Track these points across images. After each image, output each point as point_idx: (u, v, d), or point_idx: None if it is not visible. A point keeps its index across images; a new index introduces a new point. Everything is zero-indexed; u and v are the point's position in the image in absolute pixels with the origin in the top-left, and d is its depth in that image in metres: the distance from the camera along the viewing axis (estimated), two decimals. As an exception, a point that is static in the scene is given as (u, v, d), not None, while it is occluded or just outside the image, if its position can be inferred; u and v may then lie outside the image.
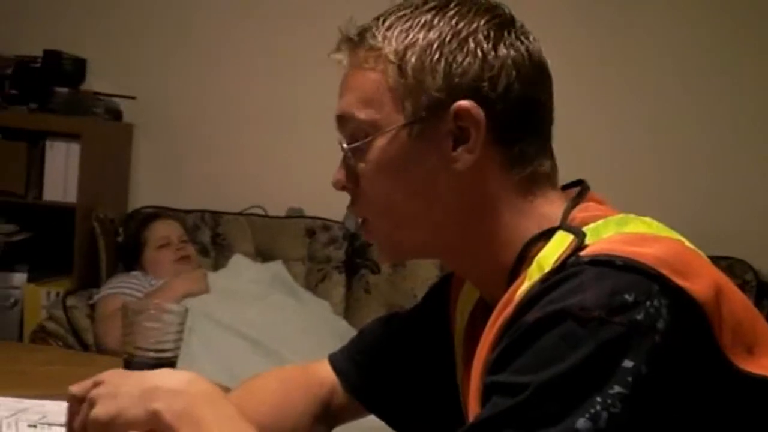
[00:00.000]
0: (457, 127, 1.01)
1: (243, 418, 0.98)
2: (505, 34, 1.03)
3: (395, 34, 1.03)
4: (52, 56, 3.55)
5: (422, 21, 1.03)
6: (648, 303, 0.84)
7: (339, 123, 1.08)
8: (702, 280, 0.88)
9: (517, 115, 1.02)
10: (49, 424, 1.41)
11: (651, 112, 3.58)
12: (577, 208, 1.03)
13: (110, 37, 3.81)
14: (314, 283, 3.51)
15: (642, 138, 3.59)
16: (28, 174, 3.40)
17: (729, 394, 0.87)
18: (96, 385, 1.00)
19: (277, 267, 3.42)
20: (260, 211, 3.70)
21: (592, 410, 0.81)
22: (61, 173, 3.41)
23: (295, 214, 3.70)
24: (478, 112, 0.99)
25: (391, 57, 1.02)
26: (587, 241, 0.93)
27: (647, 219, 1.01)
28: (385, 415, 1.30)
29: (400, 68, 1.02)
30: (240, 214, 3.67)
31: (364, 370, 1.29)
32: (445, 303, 1.24)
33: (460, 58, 1.01)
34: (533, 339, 0.85)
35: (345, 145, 1.06)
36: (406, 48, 1.02)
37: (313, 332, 2.94)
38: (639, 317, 0.83)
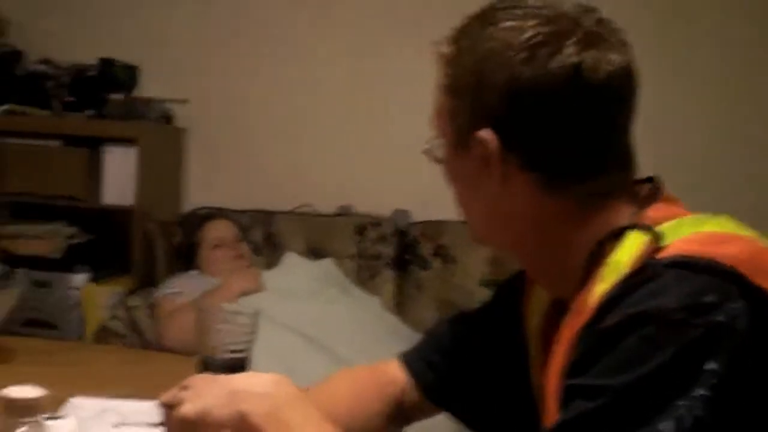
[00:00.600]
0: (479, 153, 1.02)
1: (328, 420, 1.01)
2: (550, 47, 0.98)
3: (466, 40, 1.04)
4: (106, 64, 3.64)
5: (475, 34, 1.03)
6: (728, 304, 0.84)
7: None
8: None
9: (548, 138, 1.00)
10: (130, 425, 1.47)
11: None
12: (650, 208, 1.02)
13: (161, 44, 3.89)
14: (364, 280, 3.54)
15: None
16: (87, 179, 3.49)
17: None
18: (183, 389, 1.05)
19: (328, 264, 3.46)
20: (310, 210, 3.76)
21: (676, 414, 0.81)
22: (119, 177, 3.50)
23: (345, 212, 3.75)
24: (494, 140, 1.00)
25: (446, 73, 1.05)
26: (665, 242, 0.92)
27: (721, 219, 1.00)
28: (457, 413, 1.30)
29: (449, 86, 1.05)
30: (291, 212, 3.73)
31: (436, 368, 1.29)
32: (517, 301, 1.24)
33: (488, 82, 1.00)
34: (614, 342, 0.85)
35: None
36: (452, 66, 1.04)
37: (366, 328, 2.97)
38: (720, 318, 0.83)
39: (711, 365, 0.81)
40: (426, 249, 3.57)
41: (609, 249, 0.97)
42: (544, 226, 1.03)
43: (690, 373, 0.82)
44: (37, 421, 1.13)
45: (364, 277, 3.57)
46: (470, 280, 3.41)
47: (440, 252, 3.54)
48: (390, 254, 3.59)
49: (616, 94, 1.01)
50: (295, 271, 3.33)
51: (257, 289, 3.14)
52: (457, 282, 3.48)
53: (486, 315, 1.31)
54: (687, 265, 0.87)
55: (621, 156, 1.04)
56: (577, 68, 0.97)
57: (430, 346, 1.33)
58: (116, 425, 1.46)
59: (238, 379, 1.05)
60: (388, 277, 3.57)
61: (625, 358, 0.84)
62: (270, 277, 3.26)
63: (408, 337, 2.79)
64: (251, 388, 1.02)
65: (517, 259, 1.11)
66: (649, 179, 1.08)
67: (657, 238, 0.93)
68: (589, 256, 0.99)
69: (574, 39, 0.98)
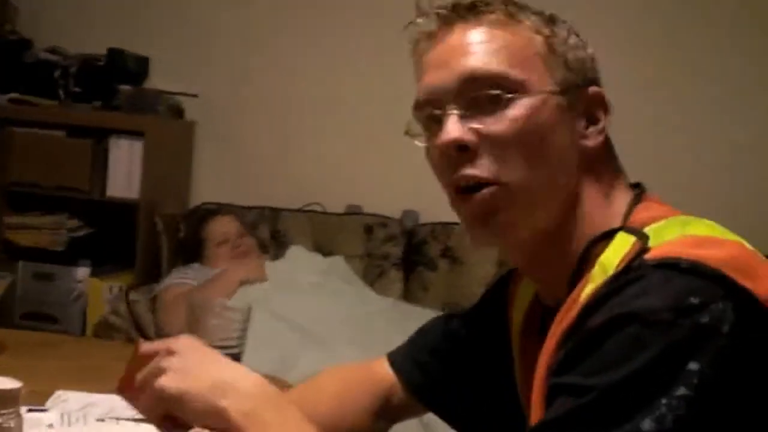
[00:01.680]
0: (587, 110, 1.04)
1: (308, 422, 0.99)
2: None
3: (528, 12, 1.06)
4: (116, 54, 3.62)
5: (548, 13, 1.08)
6: (714, 305, 0.84)
7: (468, 80, 1.02)
8: (765, 281, 0.88)
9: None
10: (117, 418, 1.43)
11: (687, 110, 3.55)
12: (638, 207, 1.03)
13: (172, 36, 3.86)
14: (372, 280, 3.53)
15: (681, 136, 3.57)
16: (92, 170, 3.46)
17: None
18: (168, 353, 1.01)
19: (336, 260, 3.44)
20: (319, 208, 3.73)
21: (658, 412, 0.81)
22: (125, 170, 3.47)
23: (354, 211, 3.72)
24: (608, 99, 1.05)
25: (539, 28, 1.04)
26: (651, 243, 0.93)
27: (708, 221, 1.00)
28: (444, 414, 1.30)
29: (548, 41, 1.04)
30: (299, 210, 3.71)
31: (424, 368, 1.29)
32: (503, 302, 1.24)
33: (584, 52, 1.07)
34: (599, 342, 0.86)
35: (494, 93, 1.01)
36: (550, 26, 1.05)
37: (368, 324, 2.93)
38: (705, 320, 0.83)
39: (694, 365, 0.82)
40: (434, 250, 3.56)
41: (599, 249, 0.98)
42: (589, 192, 1.04)
43: (673, 372, 0.82)
44: (16, 413, 1.11)
45: (372, 277, 3.55)
46: (477, 282, 3.38)
47: (447, 253, 3.53)
48: (398, 255, 3.58)
49: None
50: (299, 263, 3.31)
51: (260, 278, 3.12)
52: (463, 283, 3.47)
53: (474, 316, 1.31)
54: (673, 266, 0.87)
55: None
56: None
57: (419, 345, 1.33)
58: (101, 418, 1.42)
59: (225, 370, 1.01)
60: (395, 278, 3.56)
61: (611, 357, 0.85)
62: (274, 267, 3.23)
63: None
64: (236, 383, 0.98)
65: (525, 250, 1.07)
66: (635, 185, 1.10)
67: (644, 239, 0.94)
68: (581, 256, 1.01)
69: None
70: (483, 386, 1.26)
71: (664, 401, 0.81)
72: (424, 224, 3.61)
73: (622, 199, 1.05)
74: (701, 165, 3.56)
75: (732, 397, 0.84)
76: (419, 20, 1.08)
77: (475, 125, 1.00)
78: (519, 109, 1.00)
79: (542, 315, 1.11)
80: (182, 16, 3.87)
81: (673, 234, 0.95)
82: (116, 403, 1.40)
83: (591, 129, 1.04)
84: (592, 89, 1.05)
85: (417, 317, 2.53)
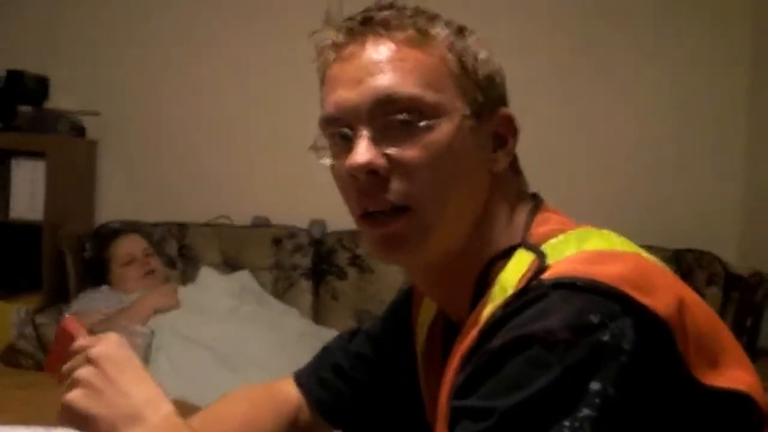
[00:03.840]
0: (495, 132, 1.03)
1: None
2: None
3: (440, 25, 1.02)
4: (15, 75, 3.56)
5: (456, 24, 1.04)
6: (613, 323, 0.83)
7: (382, 102, 0.98)
8: (664, 295, 0.87)
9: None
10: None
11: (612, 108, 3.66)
12: (536, 221, 1.02)
13: (71, 55, 3.83)
14: (282, 291, 3.55)
15: (608, 133, 3.67)
16: (-6, 193, 3.41)
17: (695, 409, 0.86)
18: (89, 362, 1.00)
19: (244, 277, 3.45)
20: (226, 221, 3.74)
21: None
22: (27, 191, 3.44)
23: (261, 223, 3.74)
24: (515, 120, 1.04)
25: (451, 44, 1.01)
26: (548, 260, 0.92)
27: (605, 232, 1.00)
28: (352, 431, 1.29)
29: (460, 60, 1.01)
30: (206, 225, 3.71)
31: (328, 386, 1.28)
32: (407, 318, 1.23)
33: (493, 67, 1.04)
34: (499, 364, 0.84)
35: (403, 119, 0.98)
36: (461, 39, 1.02)
37: (282, 346, 2.95)
38: (605, 338, 0.82)
39: (596, 385, 0.81)
40: (342, 259, 3.59)
41: (499, 268, 0.97)
42: (496, 213, 1.04)
43: (575, 393, 0.81)
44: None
45: (282, 288, 3.57)
46: (387, 289, 3.42)
47: (356, 262, 3.56)
48: (307, 265, 3.60)
49: None
50: (211, 286, 3.31)
51: (173, 305, 3.11)
52: (373, 291, 3.50)
53: (377, 332, 1.29)
54: (570, 286, 0.86)
55: None
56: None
57: (324, 363, 1.32)
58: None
59: (138, 395, 0.99)
60: (305, 288, 3.58)
61: (511, 379, 0.83)
62: (186, 293, 3.23)
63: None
64: (145, 414, 0.97)
65: (428, 273, 1.07)
66: (533, 195, 1.09)
67: (542, 257, 0.92)
68: (480, 274, 1.00)
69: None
70: (388, 402, 1.26)
71: (566, 423, 0.80)
72: (332, 233, 3.63)
73: (522, 214, 1.04)
74: (595, 164, 3.66)
75: (636, 415, 0.82)
76: (328, 31, 1.03)
77: (388, 150, 0.97)
78: (433, 135, 0.97)
79: (444, 332, 1.10)
80: (81, 35, 3.83)
81: (571, 250, 0.94)
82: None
83: (499, 152, 1.03)
84: (503, 111, 1.04)
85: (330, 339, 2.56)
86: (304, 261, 3.60)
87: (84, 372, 1.00)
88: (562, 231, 0.98)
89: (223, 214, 3.74)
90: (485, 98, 1.01)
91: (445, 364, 0.99)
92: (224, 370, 2.78)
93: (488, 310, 0.92)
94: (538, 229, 1.00)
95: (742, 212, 3.59)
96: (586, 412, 0.80)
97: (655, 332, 0.84)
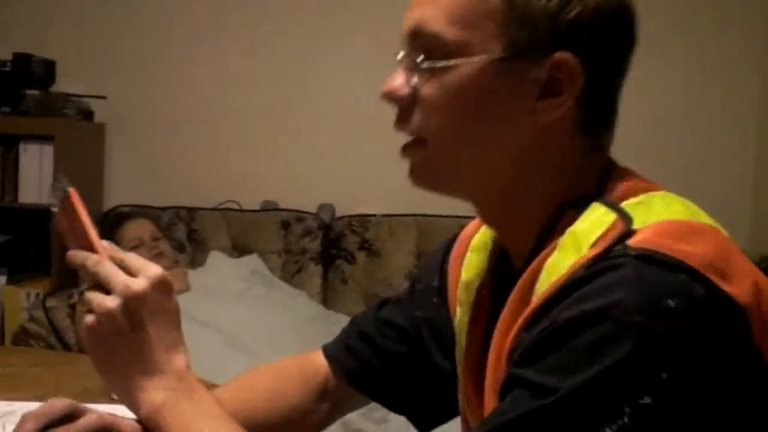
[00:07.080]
0: (549, 78, 0.91)
1: (228, 418, 1.01)
2: None
3: None
4: (22, 59, 3.56)
5: None
6: (690, 311, 0.79)
7: (411, 35, 0.95)
8: (744, 282, 0.83)
9: (609, 77, 0.95)
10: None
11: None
12: (613, 175, 0.96)
13: (79, 38, 3.83)
14: (291, 275, 3.55)
15: (617, 133, 3.63)
16: (3, 177, 3.43)
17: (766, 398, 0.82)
18: (122, 296, 1.02)
19: (253, 261, 3.45)
20: (235, 206, 3.74)
21: (620, 422, 0.76)
22: (36, 175, 3.44)
23: (270, 207, 3.73)
24: (578, 69, 0.90)
25: None
26: (635, 224, 0.86)
27: (683, 200, 0.93)
28: (380, 398, 1.27)
29: None
30: (215, 209, 3.70)
31: (355, 354, 1.26)
32: (441, 281, 1.20)
33: (568, 2, 0.90)
34: (566, 338, 0.80)
35: (418, 60, 0.93)
36: None
37: (293, 328, 2.95)
38: (680, 325, 0.78)
39: (663, 374, 0.77)
40: (351, 243, 3.58)
41: (570, 216, 0.91)
42: (549, 164, 0.95)
43: (640, 379, 0.77)
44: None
45: (291, 272, 3.57)
46: (396, 274, 3.44)
47: (365, 246, 3.56)
48: (316, 249, 3.60)
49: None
50: (220, 269, 3.31)
51: (183, 289, 3.12)
52: (382, 275, 3.51)
53: (407, 298, 1.27)
54: (654, 261, 0.81)
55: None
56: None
57: (353, 333, 1.29)
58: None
59: (163, 360, 1.05)
60: (314, 272, 3.58)
61: (576, 357, 0.78)
62: (195, 276, 3.23)
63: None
64: (162, 369, 1.03)
65: (480, 202, 1.01)
66: None
67: (628, 220, 0.86)
68: (548, 219, 0.94)
69: None
70: (418, 369, 1.23)
71: (627, 410, 0.76)
72: (341, 217, 3.63)
73: (595, 166, 0.96)
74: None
75: (701, 404, 0.78)
76: None
77: (414, 81, 0.95)
78: (451, 76, 0.92)
79: (496, 282, 1.06)
80: (87, 19, 3.83)
81: (656, 216, 0.87)
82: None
83: (544, 102, 0.91)
84: (559, 56, 0.90)
85: (342, 323, 2.56)
86: (313, 245, 3.60)
87: (113, 306, 1.01)
88: (644, 190, 0.92)
89: (232, 198, 3.74)
90: (531, 39, 0.90)
91: (494, 314, 0.97)
92: (235, 352, 2.78)
93: (553, 258, 0.88)
94: (618, 184, 0.94)
95: (752, 213, 3.58)
96: (647, 399, 0.76)
97: (732, 321, 0.80)
